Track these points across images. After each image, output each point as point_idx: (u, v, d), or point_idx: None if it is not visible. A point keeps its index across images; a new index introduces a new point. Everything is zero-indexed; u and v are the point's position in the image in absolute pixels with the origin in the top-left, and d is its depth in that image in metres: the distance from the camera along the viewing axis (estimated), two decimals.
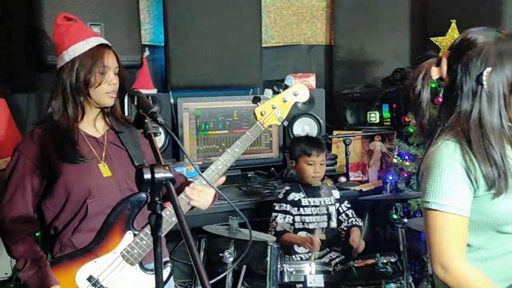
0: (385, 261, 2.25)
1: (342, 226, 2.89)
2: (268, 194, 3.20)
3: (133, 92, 1.59)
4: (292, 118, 3.71)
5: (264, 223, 3.08)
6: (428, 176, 1.46)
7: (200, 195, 1.80)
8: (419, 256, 2.63)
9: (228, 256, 2.18)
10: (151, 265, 1.75)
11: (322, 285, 2.16)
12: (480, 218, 1.44)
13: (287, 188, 2.91)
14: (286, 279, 2.20)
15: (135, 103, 1.54)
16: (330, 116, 3.91)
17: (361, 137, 3.71)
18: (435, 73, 1.54)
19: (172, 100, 3.47)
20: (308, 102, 3.73)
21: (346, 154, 3.47)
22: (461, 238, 1.43)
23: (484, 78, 1.42)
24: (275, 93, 2.00)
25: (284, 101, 1.97)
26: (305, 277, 2.17)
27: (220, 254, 2.16)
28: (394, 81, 3.55)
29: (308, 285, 2.15)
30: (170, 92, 3.50)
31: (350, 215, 2.90)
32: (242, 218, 1.58)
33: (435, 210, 1.43)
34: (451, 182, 1.41)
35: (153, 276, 1.72)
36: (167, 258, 1.96)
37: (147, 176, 1.12)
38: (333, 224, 2.87)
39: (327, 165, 3.52)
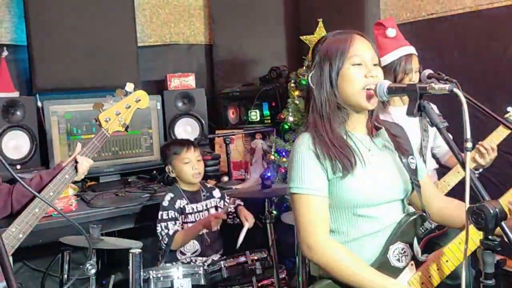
0: (255, 257, 2.24)
1: (231, 208, 2.85)
2: (147, 198, 3.07)
3: None
4: (173, 119, 3.64)
5: (143, 229, 2.96)
6: (289, 165, 1.61)
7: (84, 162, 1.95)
8: (293, 250, 2.67)
9: (90, 267, 2.03)
10: None
11: None
12: (336, 200, 1.55)
13: (172, 195, 2.77)
14: (152, 286, 2.10)
15: None
16: (213, 116, 3.89)
17: (242, 136, 3.71)
18: None
19: (39, 104, 3.23)
20: (189, 102, 3.69)
21: (227, 153, 3.45)
22: (322, 217, 1.54)
23: (309, 80, 1.62)
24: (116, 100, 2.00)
25: (127, 107, 1.98)
26: (171, 282, 2.10)
27: (81, 266, 2.01)
28: (271, 79, 3.60)
29: None
30: (37, 95, 3.25)
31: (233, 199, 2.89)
32: (79, 229, 1.45)
33: (296, 193, 1.55)
34: (306, 167, 1.54)
35: None
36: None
37: None
38: (215, 227, 2.82)
39: (210, 166, 3.49)
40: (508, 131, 2.25)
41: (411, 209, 1.70)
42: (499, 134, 2.26)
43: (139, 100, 2.07)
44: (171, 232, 2.61)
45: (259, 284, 2.27)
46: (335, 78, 1.57)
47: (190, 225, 2.74)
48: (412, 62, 2.42)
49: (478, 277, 1.35)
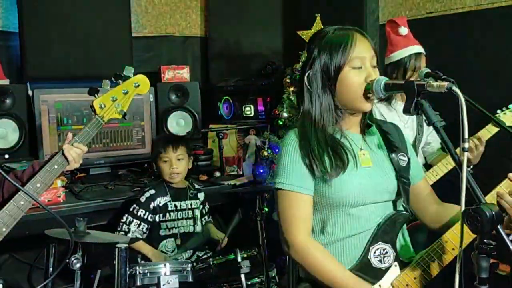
0: (245, 255, 2.19)
1: None
2: (137, 192, 3.01)
3: None
4: (165, 112, 3.58)
5: None
6: (278, 160, 1.61)
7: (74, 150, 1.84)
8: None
9: (75, 262, 1.98)
10: None
11: (177, 285, 2.04)
12: (324, 199, 1.52)
13: (152, 192, 2.72)
14: (138, 282, 2.05)
15: None
16: (207, 110, 3.83)
17: (236, 131, 3.66)
18: None
19: (30, 92, 3.16)
20: (182, 95, 3.63)
21: (220, 148, 3.40)
22: (304, 216, 1.52)
23: (305, 79, 1.57)
24: (114, 84, 1.88)
25: (125, 93, 1.87)
26: (158, 278, 2.05)
27: (67, 260, 1.95)
28: (266, 74, 3.55)
29: (162, 287, 2.02)
30: (28, 83, 3.18)
31: (208, 217, 2.90)
32: (62, 223, 1.39)
33: (280, 189, 1.54)
34: (293, 165, 1.53)
35: None
36: None
37: None
38: (198, 228, 2.78)
39: (202, 160, 3.45)
40: (497, 129, 2.33)
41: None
42: (488, 131, 2.34)
43: (138, 85, 1.95)
44: (130, 235, 2.58)
45: (248, 282, 2.22)
46: (334, 81, 1.52)
47: (169, 224, 2.72)
48: (421, 60, 2.52)
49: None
